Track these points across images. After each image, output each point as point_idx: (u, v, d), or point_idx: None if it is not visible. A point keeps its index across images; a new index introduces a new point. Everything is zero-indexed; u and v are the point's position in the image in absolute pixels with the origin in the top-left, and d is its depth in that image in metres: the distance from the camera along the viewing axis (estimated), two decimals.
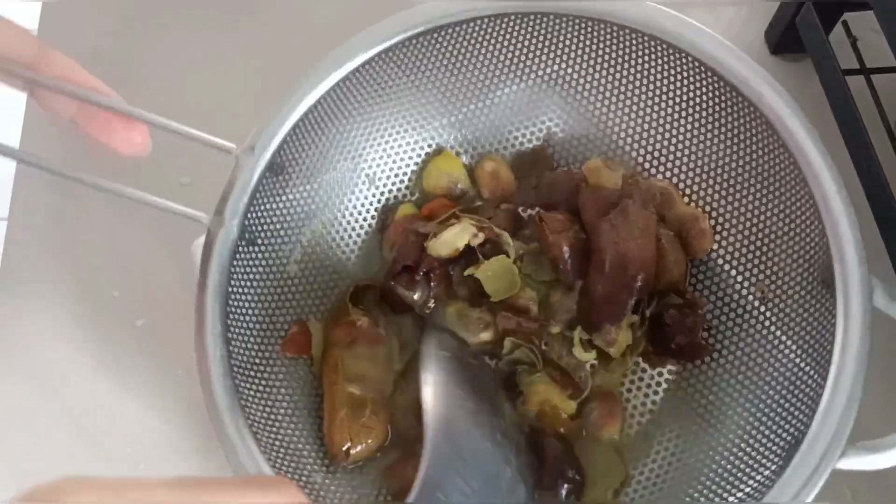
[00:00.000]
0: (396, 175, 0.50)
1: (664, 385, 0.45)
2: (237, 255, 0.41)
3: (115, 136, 0.36)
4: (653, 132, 0.47)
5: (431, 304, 0.46)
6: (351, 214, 0.49)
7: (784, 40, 0.57)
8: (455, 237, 0.45)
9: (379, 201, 0.50)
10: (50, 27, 0.58)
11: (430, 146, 0.50)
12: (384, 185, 0.50)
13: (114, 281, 0.48)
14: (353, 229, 0.49)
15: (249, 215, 0.42)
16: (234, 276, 0.41)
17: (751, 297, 0.44)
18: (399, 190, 0.50)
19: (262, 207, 0.43)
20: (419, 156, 0.50)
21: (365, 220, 0.49)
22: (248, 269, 0.43)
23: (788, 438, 0.38)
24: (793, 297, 0.41)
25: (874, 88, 0.52)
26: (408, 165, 0.50)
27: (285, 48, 0.55)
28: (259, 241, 0.43)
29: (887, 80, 0.52)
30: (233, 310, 0.41)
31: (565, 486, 0.42)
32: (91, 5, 0.59)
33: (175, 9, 0.59)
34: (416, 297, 0.46)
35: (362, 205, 0.49)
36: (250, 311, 0.43)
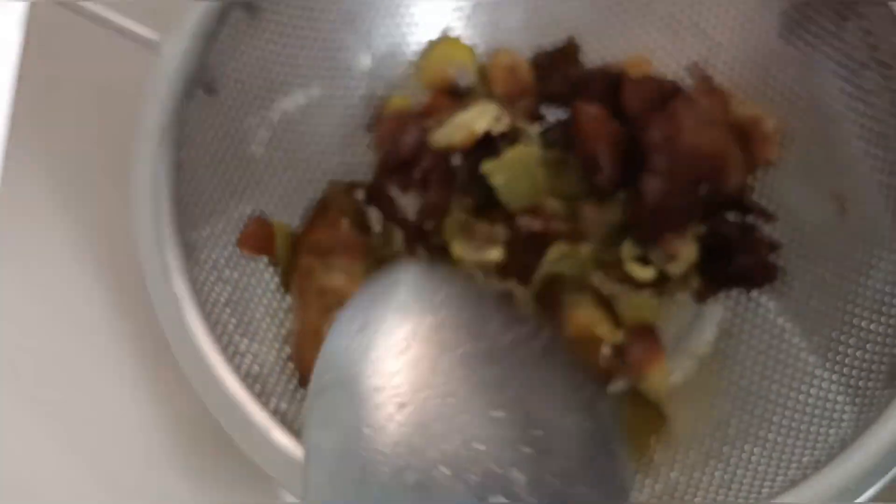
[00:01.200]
0: (387, 59, 0.41)
1: (716, 322, 0.37)
2: (192, 100, 0.33)
3: None
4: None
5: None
6: (331, 102, 0.40)
7: None
8: (472, 119, 0.37)
9: (366, 94, 0.41)
10: None
11: (434, 32, 0.42)
12: (373, 73, 0.41)
13: (111, 280, 0.43)
14: (336, 119, 0.40)
15: (214, 53, 0.33)
16: (187, 125, 0.33)
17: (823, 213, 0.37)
18: (393, 81, 0.41)
19: (230, 51, 0.35)
20: (418, 44, 0.41)
21: (349, 109, 0.40)
22: (203, 126, 0.34)
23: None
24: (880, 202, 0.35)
25: None
26: (403, 54, 0.41)
27: None
28: (222, 96, 0.35)
29: None
30: (183, 169, 0.32)
31: None
32: None
33: None
34: (410, 201, 0.38)
35: (343, 93, 0.41)
36: (203, 184, 0.34)
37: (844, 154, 0.36)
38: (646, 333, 0.36)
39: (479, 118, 0.37)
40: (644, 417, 0.36)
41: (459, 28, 0.41)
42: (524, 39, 0.41)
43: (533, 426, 0.25)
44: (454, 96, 0.40)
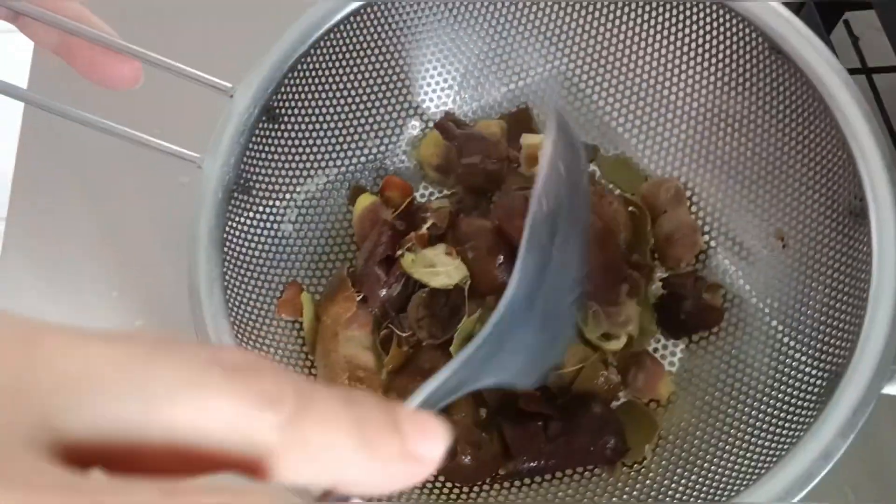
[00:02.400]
0: (390, 138, 0.49)
1: (679, 355, 0.45)
2: (231, 202, 0.41)
3: (101, 71, 0.35)
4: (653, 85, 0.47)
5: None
6: (348, 184, 0.48)
7: None
8: (448, 273, 0.43)
9: (375, 167, 0.49)
10: None
11: (429, 109, 0.50)
12: (380, 150, 0.49)
13: (113, 281, 0.49)
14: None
15: (245, 160, 0.41)
16: (229, 223, 0.41)
17: (769, 248, 0.43)
18: (396, 156, 0.50)
19: (258, 154, 0.43)
20: (414, 117, 0.49)
21: (362, 181, 0.49)
22: (241, 219, 0.42)
23: (828, 374, 0.37)
24: (816, 238, 0.41)
25: (875, 88, 0.52)
26: (402, 127, 0.49)
27: None
28: (254, 191, 0.43)
29: (889, 80, 0.53)
30: (228, 258, 0.40)
31: (609, 450, 0.42)
32: None
33: None
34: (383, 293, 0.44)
35: (360, 174, 0.49)
36: (245, 264, 0.42)
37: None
38: (643, 358, 0.44)
39: (454, 273, 0.43)
40: (638, 425, 0.43)
41: (450, 103, 0.49)
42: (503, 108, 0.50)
43: None
44: (445, 173, 0.48)
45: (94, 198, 0.43)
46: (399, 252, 0.43)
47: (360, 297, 0.44)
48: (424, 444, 0.18)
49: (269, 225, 0.45)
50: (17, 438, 0.13)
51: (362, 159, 0.48)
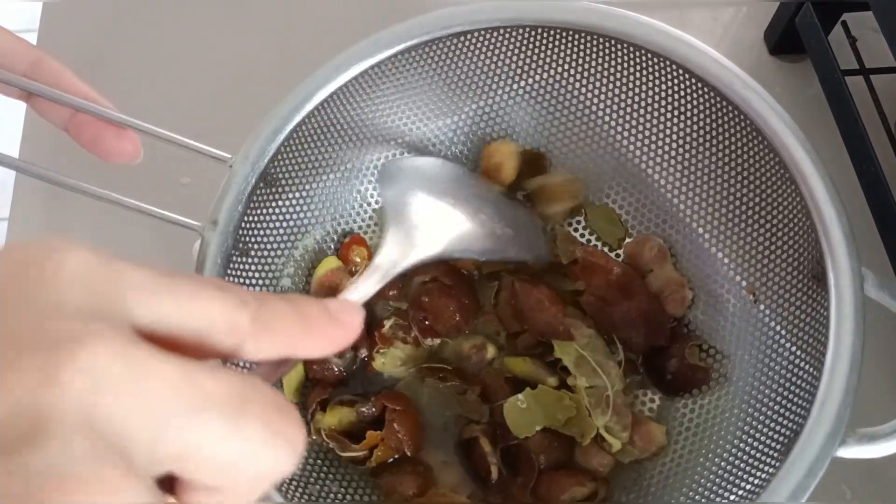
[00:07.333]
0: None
1: (657, 402, 0.50)
2: (231, 265, 0.46)
3: (104, 146, 0.40)
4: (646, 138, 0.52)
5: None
6: (342, 230, 0.54)
7: (783, 41, 0.62)
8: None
9: (371, 218, 0.54)
10: (50, 28, 0.63)
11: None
12: (376, 203, 0.55)
13: None
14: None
15: (243, 225, 0.46)
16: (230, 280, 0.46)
17: (742, 301, 0.48)
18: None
19: (256, 218, 0.48)
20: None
21: (358, 233, 0.54)
22: (241, 280, 0.47)
23: (787, 433, 0.42)
24: (784, 297, 0.46)
25: (873, 88, 0.56)
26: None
27: (282, 58, 0.61)
28: (253, 253, 0.48)
29: (886, 81, 0.57)
30: None
31: None
32: (91, 6, 0.65)
33: (176, 13, 0.65)
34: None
35: (354, 221, 0.54)
36: None
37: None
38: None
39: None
40: None
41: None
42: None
43: None
44: None
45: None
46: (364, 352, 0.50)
47: None
48: (344, 313, 0.26)
49: (267, 282, 0.50)
50: (119, 318, 0.21)
51: (360, 213, 0.54)
